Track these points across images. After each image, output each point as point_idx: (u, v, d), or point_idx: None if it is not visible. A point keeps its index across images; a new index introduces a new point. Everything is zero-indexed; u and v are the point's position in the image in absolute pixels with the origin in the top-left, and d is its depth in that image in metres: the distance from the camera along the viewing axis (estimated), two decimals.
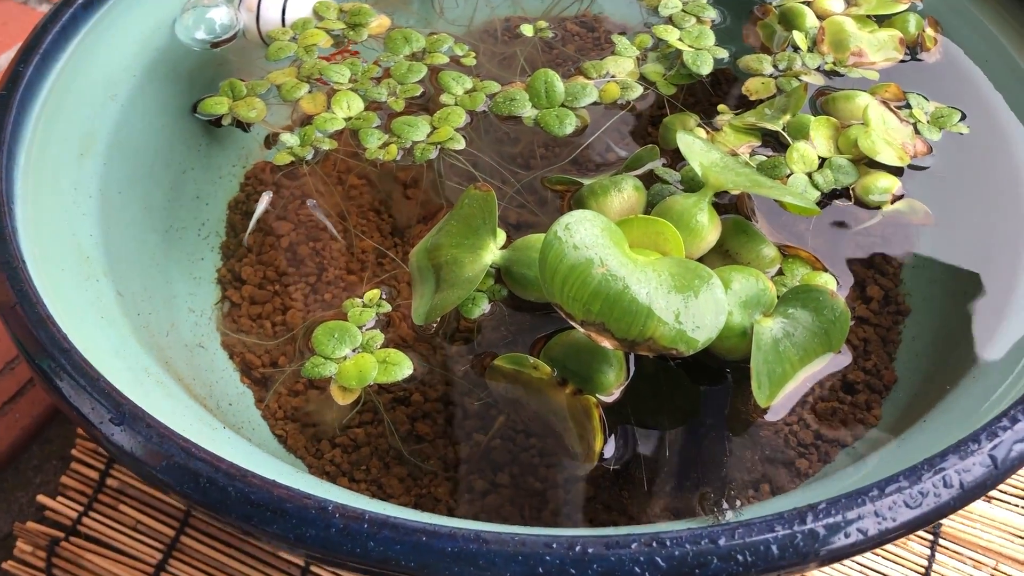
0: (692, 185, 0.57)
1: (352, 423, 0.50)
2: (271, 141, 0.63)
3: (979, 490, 0.40)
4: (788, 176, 0.57)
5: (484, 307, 0.53)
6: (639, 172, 0.59)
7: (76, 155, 0.59)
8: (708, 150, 0.54)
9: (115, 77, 0.64)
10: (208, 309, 0.56)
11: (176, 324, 0.54)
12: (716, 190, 0.52)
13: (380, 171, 0.61)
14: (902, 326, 0.54)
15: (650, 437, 0.49)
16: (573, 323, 0.44)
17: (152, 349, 0.51)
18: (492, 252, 0.52)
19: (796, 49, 0.66)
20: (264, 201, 0.60)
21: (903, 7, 0.68)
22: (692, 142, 0.54)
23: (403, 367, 0.50)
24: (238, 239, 0.59)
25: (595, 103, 0.64)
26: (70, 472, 0.60)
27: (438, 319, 0.53)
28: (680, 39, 0.67)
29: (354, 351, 0.51)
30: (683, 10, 0.70)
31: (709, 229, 0.51)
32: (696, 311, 0.44)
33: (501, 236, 0.54)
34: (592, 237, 0.46)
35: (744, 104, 0.64)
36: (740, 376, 0.50)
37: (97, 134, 0.61)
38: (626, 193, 0.55)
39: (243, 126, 0.64)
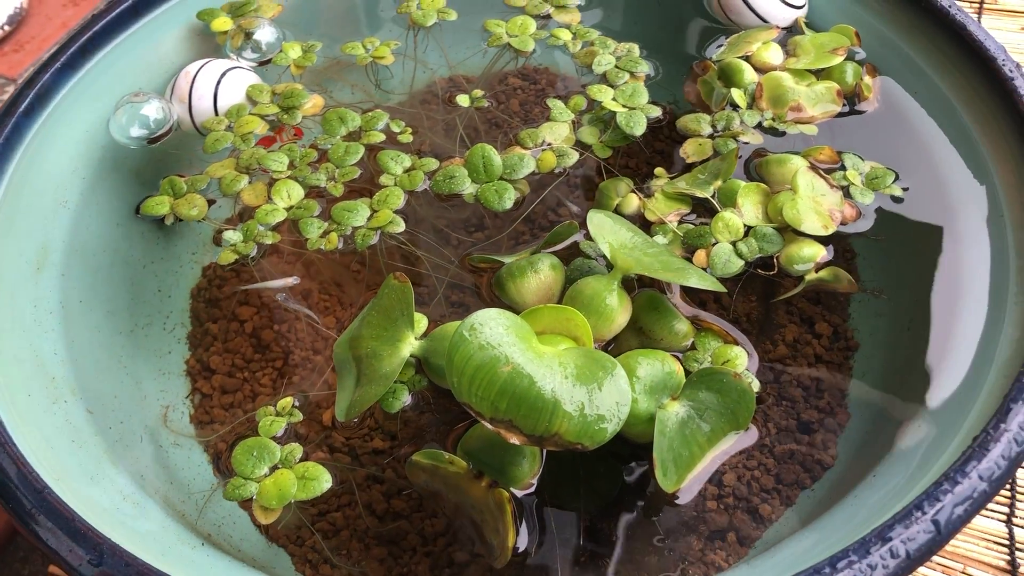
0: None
1: (331, 508, 0.51)
2: (218, 239, 0.62)
3: (925, 557, 0.42)
4: (713, 245, 0.58)
5: (405, 400, 0.53)
6: (561, 247, 0.59)
7: (33, 270, 0.59)
8: (618, 229, 0.55)
9: (64, 182, 0.63)
10: (180, 404, 0.56)
11: (149, 426, 0.54)
12: (625, 273, 0.52)
13: (325, 258, 0.61)
14: (823, 415, 0.54)
15: (566, 526, 0.49)
16: (482, 421, 0.44)
17: (127, 466, 0.52)
18: (410, 344, 0.52)
19: (735, 107, 0.66)
20: (285, 283, 0.59)
21: (840, 58, 0.67)
22: (602, 221, 0.55)
23: (322, 481, 0.50)
24: (204, 328, 0.59)
25: (533, 173, 0.64)
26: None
27: (358, 415, 0.52)
28: (614, 99, 0.67)
29: (273, 468, 0.51)
30: (616, 66, 0.70)
31: (619, 312, 0.52)
32: (600, 403, 0.44)
33: (422, 324, 0.55)
34: (498, 336, 0.45)
35: (683, 167, 0.64)
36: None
37: (52, 244, 0.60)
38: (543, 274, 0.55)
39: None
